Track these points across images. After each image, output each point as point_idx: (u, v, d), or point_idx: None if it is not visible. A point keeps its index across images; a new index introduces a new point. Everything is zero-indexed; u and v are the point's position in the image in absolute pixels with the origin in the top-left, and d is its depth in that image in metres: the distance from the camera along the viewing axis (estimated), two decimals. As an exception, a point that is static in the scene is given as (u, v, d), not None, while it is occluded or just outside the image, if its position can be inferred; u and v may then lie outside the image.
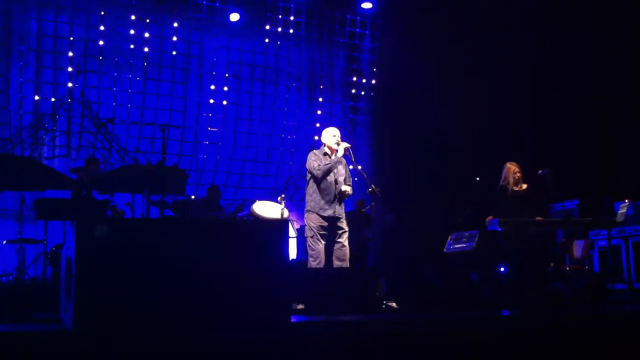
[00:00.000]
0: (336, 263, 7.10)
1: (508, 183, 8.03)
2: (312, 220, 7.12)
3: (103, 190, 7.52)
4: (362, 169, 7.44)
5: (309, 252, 7.11)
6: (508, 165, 8.11)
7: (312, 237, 7.09)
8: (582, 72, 10.29)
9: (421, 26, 11.39)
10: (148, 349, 3.82)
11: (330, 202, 7.10)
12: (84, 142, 10.33)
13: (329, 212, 7.08)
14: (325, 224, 7.08)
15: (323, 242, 7.08)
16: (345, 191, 7.15)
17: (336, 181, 7.15)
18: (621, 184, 9.51)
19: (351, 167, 7.44)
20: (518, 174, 8.04)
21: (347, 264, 7.11)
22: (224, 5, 11.35)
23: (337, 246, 7.12)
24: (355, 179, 7.52)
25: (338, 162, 7.16)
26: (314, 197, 7.16)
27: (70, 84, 10.36)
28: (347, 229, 7.19)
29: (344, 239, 7.14)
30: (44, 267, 7.64)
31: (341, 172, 7.23)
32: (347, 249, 7.12)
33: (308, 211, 7.20)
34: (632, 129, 9.78)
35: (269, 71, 12.05)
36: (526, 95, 10.85)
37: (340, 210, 7.17)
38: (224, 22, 11.47)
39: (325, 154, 7.26)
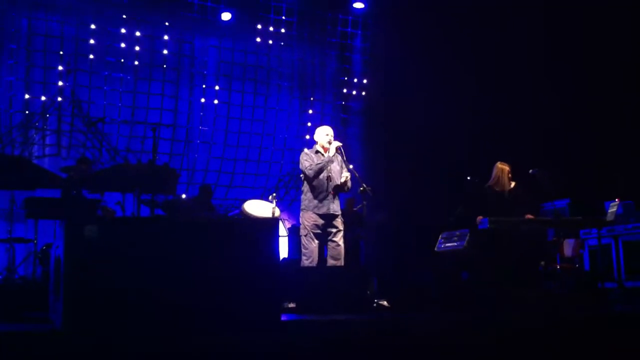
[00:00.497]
0: (330, 262, 7.12)
1: (497, 183, 8.01)
2: (307, 219, 7.12)
3: (94, 190, 7.50)
4: (353, 168, 7.45)
5: (303, 250, 7.12)
6: (500, 165, 8.02)
7: (305, 235, 7.11)
8: (576, 71, 10.31)
9: (413, 25, 11.39)
10: (137, 349, 3.81)
11: (323, 199, 7.11)
12: (75, 141, 10.30)
13: (323, 210, 7.09)
14: (320, 222, 7.09)
15: (316, 242, 7.09)
16: (345, 178, 7.14)
17: (329, 178, 7.15)
18: (611, 183, 9.54)
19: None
20: (510, 174, 8.04)
21: (341, 263, 7.12)
22: (215, 4, 11.33)
23: (331, 245, 7.14)
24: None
25: (329, 161, 7.17)
26: (308, 195, 7.18)
27: (60, 83, 10.31)
28: (342, 228, 7.21)
29: (339, 238, 7.15)
30: (34, 267, 7.62)
31: (335, 168, 7.24)
32: (341, 248, 7.14)
33: (303, 210, 7.22)
34: (624, 128, 9.82)
35: (260, 71, 12.03)
36: (518, 94, 10.87)
37: (335, 207, 7.18)
38: (216, 22, 11.45)
39: (317, 152, 7.28)
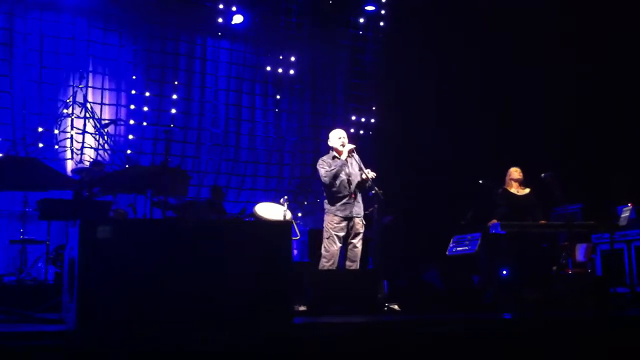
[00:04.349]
0: (347, 264, 7.18)
1: (509, 187, 8.07)
2: (329, 222, 7.16)
3: (106, 191, 7.53)
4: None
5: (323, 253, 7.14)
6: (510, 169, 8.17)
7: (328, 238, 7.14)
8: (586, 73, 10.27)
9: (425, 28, 11.39)
10: (150, 349, 3.83)
11: (346, 203, 7.14)
12: (87, 144, 10.32)
13: (347, 212, 7.13)
14: (344, 223, 7.12)
15: (339, 244, 7.11)
16: (372, 176, 7.14)
17: (349, 181, 7.17)
18: (624, 188, 9.49)
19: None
20: (518, 178, 8.07)
21: (357, 265, 7.17)
22: (227, 7, 11.34)
23: (349, 247, 7.18)
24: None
25: (342, 164, 7.18)
26: (330, 200, 7.20)
27: (73, 85, 10.35)
28: (361, 231, 7.24)
29: (357, 240, 7.20)
30: (46, 267, 7.66)
31: (354, 171, 7.25)
32: (358, 250, 7.18)
33: (327, 213, 7.26)
34: (636, 132, 9.77)
35: (272, 73, 12.04)
36: (530, 97, 10.85)
37: (358, 209, 7.22)
38: (228, 24, 11.46)
39: (334, 157, 7.30)
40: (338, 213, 7.13)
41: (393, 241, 10.64)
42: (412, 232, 10.71)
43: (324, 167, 7.22)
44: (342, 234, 7.12)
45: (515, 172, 8.13)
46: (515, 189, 8.08)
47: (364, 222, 7.33)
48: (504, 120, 10.90)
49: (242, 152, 11.70)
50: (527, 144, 10.48)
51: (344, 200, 7.14)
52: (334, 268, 7.05)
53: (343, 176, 7.17)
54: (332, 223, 7.13)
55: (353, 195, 7.17)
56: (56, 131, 10.13)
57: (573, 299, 7.44)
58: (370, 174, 7.17)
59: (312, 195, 11.57)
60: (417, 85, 11.50)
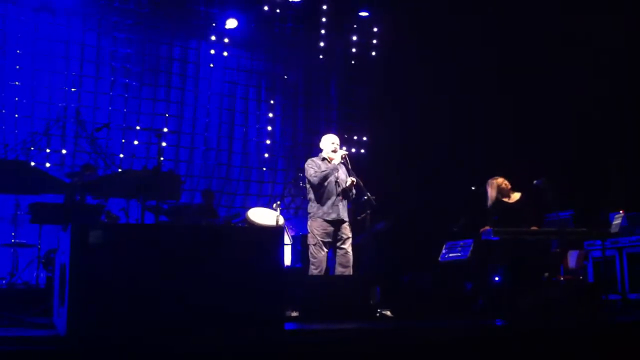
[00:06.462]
0: (339, 270, 7.11)
1: (494, 198, 8.01)
2: (316, 227, 7.11)
3: (98, 195, 7.50)
4: (356, 176, 7.43)
5: (311, 259, 7.11)
6: (490, 181, 8.05)
7: (314, 244, 7.09)
8: (579, 81, 10.30)
9: (419, 33, 11.40)
10: (141, 355, 3.81)
11: (333, 206, 7.11)
12: (79, 148, 10.28)
13: (333, 216, 7.10)
14: (330, 229, 7.09)
15: (325, 250, 7.08)
16: (352, 182, 7.13)
17: (337, 184, 7.17)
18: (616, 195, 9.52)
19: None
20: (504, 186, 8.03)
21: (350, 270, 7.13)
22: (221, 11, 11.32)
23: (340, 252, 7.14)
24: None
25: (334, 169, 7.17)
26: (317, 202, 7.16)
27: (65, 88, 10.31)
28: (350, 236, 7.20)
29: (347, 245, 7.16)
30: (37, 272, 7.62)
31: (342, 176, 7.25)
32: (350, 256, 7.15)
33: (311, 217, 7.21)
34: (628, 139, 9.80)
35: (265, 77, 12.04)
36: (523, 104, 10.87)
37: (344, 213, 7.19)
38: (222, 29, 11.44)
39: (324, 159, 7.29)
40: (325, 216, 7.09)
41: (386, 247, 10.64)
42: (405, 238, 10.70)
43: (314, 167, 7.20)
44: (328, 239, 7.09)
45: (496, 183, 8.05)
46: (504, 198, 8.06)
47: (351, 227, 7.31)
48: (498, 127, 10.91)
49: (236, 156, 11.69)
50: (521, 151, 10.50)
51: (330, 202, 7.11)
52: (322, 274, 7.03)
53: (332, 179, 7.16)
54: (319, 229, 7.09)
55: (340, 199, 7.15)
56: (48, 134, 10.07)
57: (565, 306, 7.45)
58: (349, 179, 7.17)
59: (307, 200, 11.53)
60: (411, 91, 11.51)
